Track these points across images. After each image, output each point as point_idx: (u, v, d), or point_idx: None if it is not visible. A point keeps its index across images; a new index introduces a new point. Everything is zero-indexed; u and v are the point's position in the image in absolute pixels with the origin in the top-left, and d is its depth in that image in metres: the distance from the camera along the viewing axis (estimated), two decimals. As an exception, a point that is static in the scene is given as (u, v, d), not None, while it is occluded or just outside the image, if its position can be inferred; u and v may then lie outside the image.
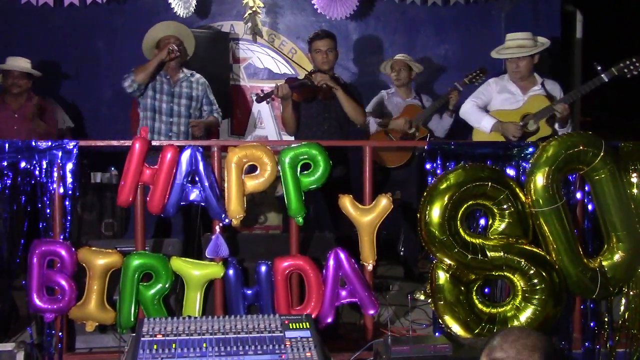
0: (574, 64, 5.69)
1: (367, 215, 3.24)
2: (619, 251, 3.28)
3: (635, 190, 3.36)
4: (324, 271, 3.21)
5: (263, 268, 3.21)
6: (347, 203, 3.25)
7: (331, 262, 3.19)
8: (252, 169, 3.26)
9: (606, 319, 3.38)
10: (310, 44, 4.37)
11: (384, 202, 3.24)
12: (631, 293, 3.36)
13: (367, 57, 5.62)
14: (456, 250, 3.13)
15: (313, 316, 3.09)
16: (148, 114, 4.44)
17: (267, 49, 5.57)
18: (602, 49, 5.60)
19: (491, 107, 4.24)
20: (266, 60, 5.57)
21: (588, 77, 4.11)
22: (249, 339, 2.57)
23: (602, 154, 3.22)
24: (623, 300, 3.38)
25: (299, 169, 3.23)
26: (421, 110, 4.77)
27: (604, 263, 3.27)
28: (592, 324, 3.36)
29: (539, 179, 3.20)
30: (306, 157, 3.24)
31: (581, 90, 3.98)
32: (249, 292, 3.23)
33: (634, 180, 3.37)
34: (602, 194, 3.29)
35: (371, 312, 3.25)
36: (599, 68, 3.84)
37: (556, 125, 4.05)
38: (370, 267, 3.27)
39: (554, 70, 4.35)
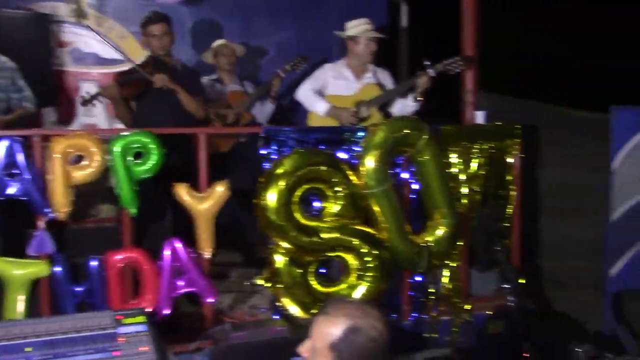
0: (400, 54, 6.02)
1: (203, 203, 3.20)
2: (442, 227, 3.52)
3: (454, 170, 3.65)
4: (159, 263, 3.13)
5: (94, 263, 3.06)
6: (182, 191, 3.19)
7: (167, 253, 3.11)
8: (80, 159, 3.11)
9: (432, 290, 3.63)
10: (144, 29, 4.20)
11: (220, 190, 3.22)
12: (453, 265, 3.65)
13: (200, 43, 5.50)
14: (293, 233, 3.19)
15: (149, 309, 3.00)
16: None
17: (93, 32, 5.26)
18: (427, 39, 5.98)
19: (326, 91, 4.34)
20: (93, 45, 5.26)
21: (414, 65, 4.35)
22: (78, 339, 2.43)
23: (425, 137, 3.43)
24: (446, 272, 3.65)
25: (130, 158, 3.13)
26: (244, 97, 4.80)
27: (428, 238, 3.50)
28: (419, 296, 3.60)
29: (370, 162, 3.34)
30: (138, 145, 3.15)
31: (412, 82, 4.18)
32: (79, 289, 3.06)
33: (453, 160, 3.66)
34: (426, 174, 3.51)
35: (210, 300, 3.22)
36: (427, 63, 4.07)
37: (410, 100, 4.20)
38: (207, 256, 3.24)
39: (382, 58, 4.54)
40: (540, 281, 4.58)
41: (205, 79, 4.76)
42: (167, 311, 3.13)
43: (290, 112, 4.52)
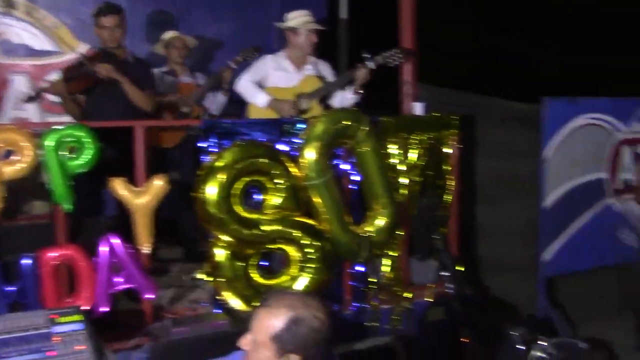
0: (340, 46, 6.05)
1: (140, 198, 3.15)
2: (382, 217, 3.56)
3: (393, 161, 3.70)
4: (96, 259, 3.06)
5: (26, 262, 2.96)
6: (118, 185, 3.13)
7: (103, 249, 3.04)
8: (10, 154, 3.01)
9: (373, 280, 3.68)
10: (95, 20, 4.09)
11: (158, 184, 3.17)
12: (393, 255, 3.70)
13: (138, 33, 5.38)
14: (233, 226, 3.17)
15: (86, 307, 2.93)
16: None
17: (25, 23, 5.07)
18: (366, 31, 6.02)
19: (266, 83, 4.32)
20: (24, 36, 5.07)
21: (353, 58, 4.37)
22: (11, 340, 2.36)
23: (365, 128, 3.46)
24: (387, 262, 3.71)
25: (64, 153, 3.05)
26: (196, 89, 4.73)
27: (368, 229, 3.53)
28: (360, 286, 3.64)
29: (310, 154, 3.35)
30: (72, 139, 3.07)
31: (352, 75, 4.19)
32: (11, 289, 2.96)
33: (393, 151, 3.71)
34: (366, 165, 3.54)
35: (149, 296, 3.18)
36: (367, 56, 4.10)
37: (350, 92, 4.21)
38: (146, 251, 3.19)
39: (321, 50, 4.55)
40: (478, 268, 4.71)
41: (156, 71, 4.68)
42: (105, 308, 3.06)
43: (243, 104, 4.47)
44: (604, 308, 4.96)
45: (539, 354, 3.60)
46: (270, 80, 4.31)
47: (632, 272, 4.94)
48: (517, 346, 3.72)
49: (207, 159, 3.27)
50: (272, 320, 1.89)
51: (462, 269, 3.75)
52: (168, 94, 4.65)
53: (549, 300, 4.47)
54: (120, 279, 3.11)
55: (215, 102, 4.79)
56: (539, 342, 3.64)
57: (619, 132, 4.68)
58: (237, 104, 4.54)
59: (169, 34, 4.87)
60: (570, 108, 4.48)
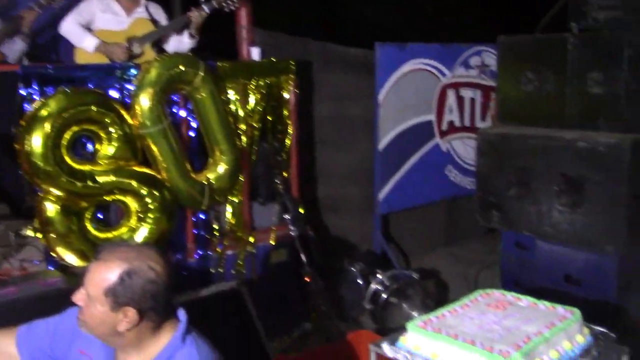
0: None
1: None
2: (222, 163, 3.55)
3: (232, 107, 3.67)
4: None
5: None
6: None
7: None
8: None
9: (215, 226, 3.68)
10: None
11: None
12: (235, 200, 3.72)
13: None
14: (64, 179, 3.00)
15: None
16: None
17: None
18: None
19: (94, 26, 4.05)
20: None
21: (187, 1, 4.22)
22: None
23: (201, 73, 3.39)
24: (229, 208, 3.72)
25: None
26: None
27: (209, 175, 3.51)
28: (203, 233, 3.62)
29: (144, 100, 3.24)
30: None
31: (186, 19, 4.03)
32: None
33: (231, 97, 3.68)
34: (204, 112, 3.49)
35: (-30, 258, 2.94)
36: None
37: (185, 37, 4.06)
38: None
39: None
40: (318, 209, 4.88)
41: None
42: None
43: (50, 49, 4.11)
44: (434, 240, 5.38)
45: (376, 286, 3.86)
46: (98, 23, 4.03)
47: (457, 206, 5.38)
48: (357, 280, 3.95)
49: (30, 107, 3.03)
50: (105, 274, 1.82)
51: (303, 211, 3.87)
52: None
53: (384, 236, 4.76)
54: None
55: (13, 49, 4.37)
56: (376, 275, 3.89)
57: (444, 77, 4.98)
58: (47, 49, 4.18)
59: None
60: (401, 54, 4.69)
